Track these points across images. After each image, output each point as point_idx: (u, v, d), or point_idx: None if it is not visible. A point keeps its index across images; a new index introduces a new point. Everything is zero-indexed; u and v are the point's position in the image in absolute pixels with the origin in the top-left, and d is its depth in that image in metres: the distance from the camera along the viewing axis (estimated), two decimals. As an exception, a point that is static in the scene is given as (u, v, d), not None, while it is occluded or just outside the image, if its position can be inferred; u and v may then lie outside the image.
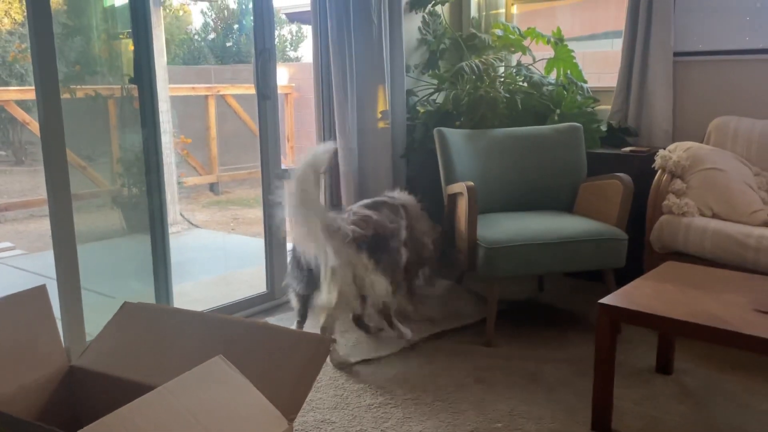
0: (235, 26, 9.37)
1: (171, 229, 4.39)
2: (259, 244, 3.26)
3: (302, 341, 1.84)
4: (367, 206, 2.60)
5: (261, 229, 3.24)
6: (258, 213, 3.19)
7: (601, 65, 3.92)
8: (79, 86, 3.03)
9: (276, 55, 3.01)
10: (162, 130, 4.30)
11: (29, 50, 2.27)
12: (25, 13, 2.27)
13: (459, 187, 2.71)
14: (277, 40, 10.11)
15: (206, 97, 7.22)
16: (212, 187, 7.58)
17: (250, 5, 3.03)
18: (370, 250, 2.38)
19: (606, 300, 1.96)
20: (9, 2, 8.87)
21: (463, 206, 2.68)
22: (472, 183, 2.62)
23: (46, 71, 2.23)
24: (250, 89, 7.95)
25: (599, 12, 4.32)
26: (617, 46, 4.13)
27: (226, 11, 9.37)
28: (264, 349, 1.82)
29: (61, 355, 1.87)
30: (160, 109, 4.25)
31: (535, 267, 2.60)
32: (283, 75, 8.58)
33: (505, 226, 2.67)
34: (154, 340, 1.93)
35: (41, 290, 1.90)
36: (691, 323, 1.80)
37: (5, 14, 8.82)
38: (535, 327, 2.83)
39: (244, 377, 1.61)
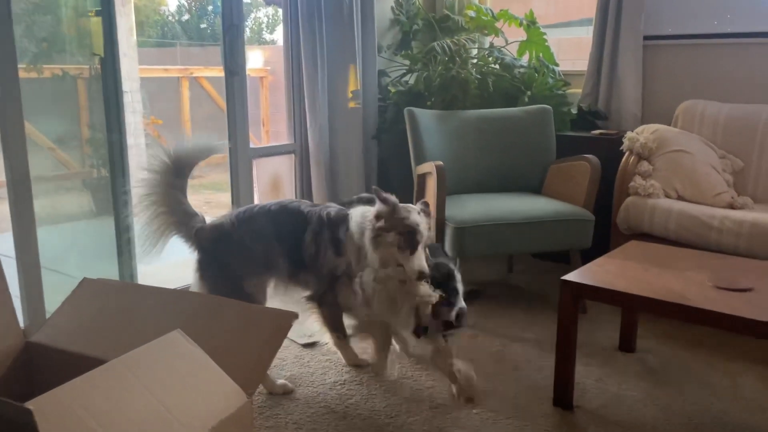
0: (209, 7, 9.21)
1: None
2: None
3: (264, 316, 1.83)
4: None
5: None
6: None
7: (575, 51, 3.93)
8: (46, 65, 2.96)
9: (244, 31, 2.96)
10: (131, 110, 4.23)
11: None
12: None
13: (428, 166, 2.70)
14: (252, 22, 9.92)
15: (179, 78, 7.10)
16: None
17: None
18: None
19: (569, 276, 1.97)
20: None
21: (432, 186, 2.68)
22: (440, 162, 2.62)
23: (3, 49, 2.16)
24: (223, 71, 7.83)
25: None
26: (582, 32, 4.15)
27: (199, -8, 9.19)
28: (225, 324, 1.80)
29: (17, 331, 1.83)
30: (128, 89, 4.17)
31: (502, 247, 2.61)
32: (258, 58, 8.47)
33: (473, 207, 2.67)
34: (113, 315, 1.90)
35: (-6, 267, 1.85)
36: (652, 299, 1.82)
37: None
38: (503, 307, 2.85)
39: (202, 351, 1.59)
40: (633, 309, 2.32)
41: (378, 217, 2.03)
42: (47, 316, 2.51)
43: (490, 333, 2.58)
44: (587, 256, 2.67)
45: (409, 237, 1.99)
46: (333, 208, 2.21)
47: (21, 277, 2.39)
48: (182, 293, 2.05)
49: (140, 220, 2.19)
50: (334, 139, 3.23)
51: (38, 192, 2.80)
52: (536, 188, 3.04)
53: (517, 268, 3.35)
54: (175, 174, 2.13)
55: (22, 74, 2.30)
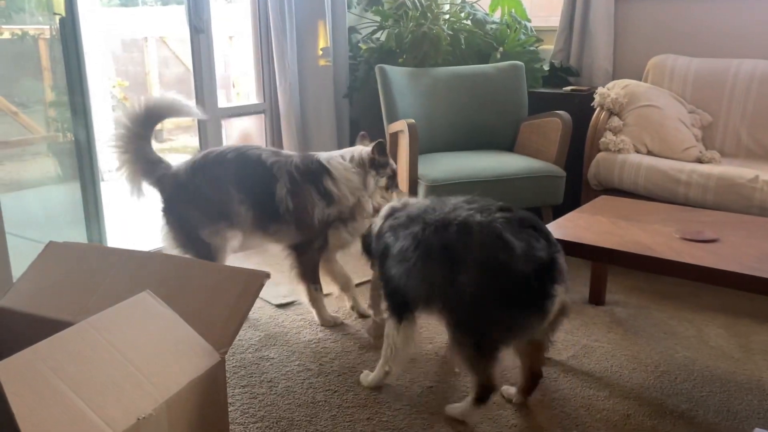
0: (175, -35, 8.90)
1: (110, 176, 4.24)
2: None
3: (235, 275, 1.81)
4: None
5: None
6: None
7: (547, 7, 3.89)
8: (5, 26, 2.84)
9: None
10: (95, 73, 4.09)
11: None
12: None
13: (400, 124, 2.68)
14: (220, -20, 9.59)
15: (145, 39, 6.90)
16: (155, 135, 7.33)
17: None
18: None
19: (539, 231, 1.98)
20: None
21: (404, 144, 2.66)
22: (412, 120, 2.60)
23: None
24: (192, 32, 7.62)
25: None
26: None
27: (164, -52, 8.86)
28: (195, 284, 1.78)
29: (-18, 297, 1.80)
30: (91, 51, 4.03)
31: (474, 204, 2.61)
32: (230, 16, 8.24)
33: (445, 165, 2.67)
34: (81, 278, 1.87)
35: (-43, 230, 1.80)
36: (621, 252, 1.85)
37: None
38: (476, 264, 2.87)
39: (173, 312, 1.57)
40: (602, 262, 2.35)
41: (372, 163, 2.19)
42: (14, 281, 2.46)
43: (463, 289, 2.60)
44: (559, 212, 2.71)
45: (393, 178, 2.24)
46: (296, 157, 2.24)
47: (-16, 243, 2.33)
48: (151, 255, 2.03)
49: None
50: (305, 97, 3.18)
51: (2, 157, 2.72)
52: (509, 146, 3.04)
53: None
54: (142, 124, 2.18)
55: None
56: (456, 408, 1.76)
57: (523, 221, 1.65)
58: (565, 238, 1.94)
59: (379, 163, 2.19)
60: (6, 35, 2.87)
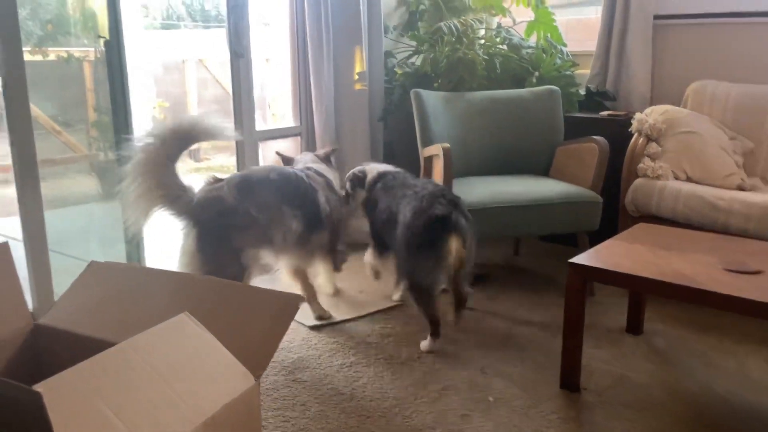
0: (215, -11, 9.13)
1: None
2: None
3: (270, 299, 1.83)
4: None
5: None
6: None
7: (584, 32, 3.87)
8: (52, 48, 2.95)
9: (248, 12, 2.93)
10: (137, 94, 4.21)
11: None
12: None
13: (435, 149, 2.69)
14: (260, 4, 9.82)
15: (184, 61, 7.08)
16: (192, 154, 7.47)
17: None
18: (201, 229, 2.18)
19: (576, 259, 1.96)
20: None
21: (438, 168, 2.66)
22: (447, 144, 2.60)
23: (8, 31, 2.15)
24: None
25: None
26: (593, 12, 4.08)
27: (204, -27, 9.11)
28: (232, 306, 1.80)
29: (25, 314, 1.84)
30: (133, 73, 4.14)
31: (509, 229, 2.60)
32: (265, 39, 8.39)
33: (480, 189, 2.66)
34: (120, 298, 1.90)
35: (3, 248, 1.85)
36: (660, 281, 1.81)
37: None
38: (510, 290, 2.84)
39: (210, 334, 1.59)
40: (641, 291, 2.31)
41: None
42: (56, 298, 2.52)
43: (497, 315, 2.58)
44: (595, 238, 2.67)
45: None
46: (312, 170, 2.50)
47: (29, 260, 2.40)
48: (189, 276, 2.06)
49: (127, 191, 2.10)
50: (340, 121, 3.22)
51: (45, 175, 2.81)
52: (544, 170, 3.02)
53: (523, 250, 3.34)
54: (176, 145, 2.09)
55: (27, 57, 2.29)
56: (423, 344, 2.29)
57: (435, 193, 2.24)
58: (604, 267, 1.91)
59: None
60: (52, 57, 2.97)
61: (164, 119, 6.94)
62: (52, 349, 1.85)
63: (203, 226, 2.14)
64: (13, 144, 2.26)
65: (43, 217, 2.41)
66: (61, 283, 2.54)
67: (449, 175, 2.57)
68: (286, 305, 1.78)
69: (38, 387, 1.17)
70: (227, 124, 2.21)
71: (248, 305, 1.80)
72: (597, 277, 1.96)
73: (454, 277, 2.24)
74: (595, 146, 2.70)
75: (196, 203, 2.14)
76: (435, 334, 2.28)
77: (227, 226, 2.14)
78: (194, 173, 6.98)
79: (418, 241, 2.15)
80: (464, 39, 3.30)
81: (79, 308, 1.90)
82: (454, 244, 2.12)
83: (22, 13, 2.31)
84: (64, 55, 3.03)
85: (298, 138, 3.31)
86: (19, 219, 2.39)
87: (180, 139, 2.10)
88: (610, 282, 1.97)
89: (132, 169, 2.07)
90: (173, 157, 2.10)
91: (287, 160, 2.63)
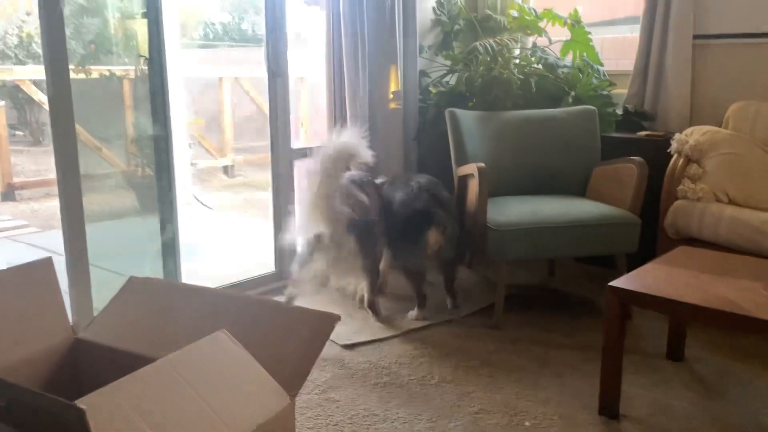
0: (251, 9, 9.32)
1: (183, 210, 4.40)
2: (270, 225, 3.25)
3: (306, 318, 1.83)
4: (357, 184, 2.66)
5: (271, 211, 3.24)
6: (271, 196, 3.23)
7: (619, 50, 3.84)
8: (94, 66, 3.03)
9: (287, 33, 2.97)
10: (175, 111, 4.30)
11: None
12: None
13: (470, 168, 2.67)
14: (296, 24, 9.99)
15: (220, 79, 7.21)
16: (226, 170, 7.58)
17: None
18: (358, 235, 2.50)
19: (615, 283, 1.92)
20: (27, -17, 8.90)
21: (473, 188, 2.65)
22: (483, 164, 2.59)
23: (55, 49, 2.22)
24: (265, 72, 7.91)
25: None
26: (637, 31, 4.04)
27: (241, -7, 9.31)
28: (268, 324, 1.81)
29: (66, 327, 1.87)
30: (173, 91, 4.23)
31: (545, 251, 2.57)
32: (299, 58, 8.51)
33: (515, 209, 2.63)
34: (159, 314, 1.92)
35: (47, 263, 1.90)
36: (703, 307, 1.76)
37: (23, -5, 8.85)
38: (545, 312, 2.80)
39: (246, 352, 1.60)
40: (683, 317, 2.25)
41: None
42: (94, 312, 2.57)
43: (533, 339, 2.53)
44: (632, 260, 2.62)
45: None
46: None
47: (70, 274, 2.44)
48: (226, 293, 2.07)
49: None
50: (375, 139, 3.22)
51: (84, 189, 2.87)
52: (580, 191, 2.98)
53: (558, 271, 3.29)
54: (341, 166, 2.43)
55: (71, 75, 2.36)
56: (411, 314, 2.71)
57: (421, 188, 2.65)
58: (644, 291, 1.87)
59: None
60: (95, 75, 3.05)
61: (200, 137, 7.05)
62: (92, 363, 1.87)
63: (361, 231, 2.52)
64: (58, 160, 2.32)
65: (84, 231, 2.46)
66: (98, 297, 2.59)
67: (484, 194, 2.55)
68: (322, 324, 1.78)
69: (81, 403, 1.19)
70: (368, 149, 2.51)
71: (284, 323, 1.80)
72: (637, 302, 1.91)
73: (438, 261, 2.69)
74: (633, 167, 2.66)
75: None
76: (422, 305, 2.72)
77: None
78: (228, 189, 7.09)
79: (403, 231, 2.60)
80: (499, 58, 3.29)
81: (119, 323, 1.93)
82: (433, 235, 2.52)
83: (66, 32, 2.38)
84: (106, 73, 3.11)
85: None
86: (62, 233, 2.44)
87: (343, 159, 2.43)
88: (650, 307, 1.92)
89: (312, 185, 2.41)
90: (340, 176, 2.46)
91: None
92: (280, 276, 3.14)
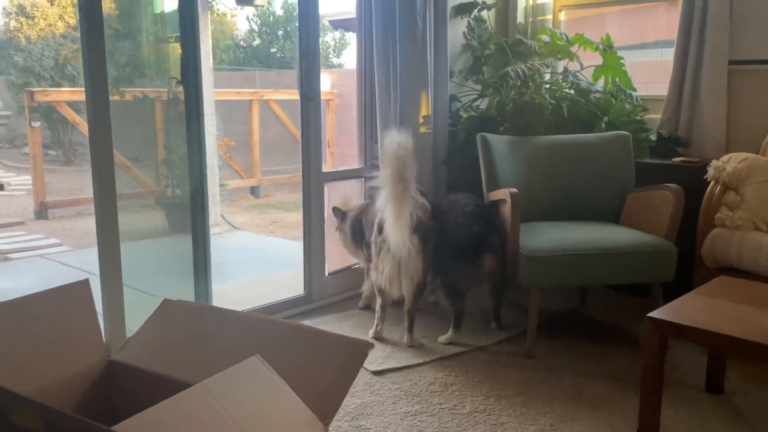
0: (280, 32, 9.48)
1: (211, 231, 4.43)
2: (297, 247, 3.25)
3: (339, 344, 1.82)
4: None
5: (299, 233, 3.24)
6: (298, 218, 3.22)
7: (649, 74, 3.81)
8: (127, 88, 3.09)
9: (320, 59, 3.01)
10: (206, 132, 4.36)
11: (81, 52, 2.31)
12: (78, 17, 2.31)
13: (502, 193, 2.66)
14: (321, 46, 10.16)
15: (250, 101, 7.31)
16: (253, 191, 7.66)
17: (296, 12, 3.03)
18: (421, 237, 2.58)
19: (655, 314, 1.88)
20: (63, 7, 9.17)
21: (505, 213, 2.63)
22: (515, 189, 2.57)
23: (96, 73, 2.28)
24: (293, 94, 8.02)
25: (649, 20, 4.21)
26: (667, 55, 4.01)
27: (271, 17, 9.49)
28: (301, 350, 1.80)
29: (101, 349, 1.89)
30: (204, 112, 4.30)
31: (578, 278, 2.53)
32: (325, 81, 8.62)
33: (548, 235, 2.60)
34: (192, 337, 1.93)
35: (84, 284, 1.92)
36: (746, 340, 1.71)
37: (59, 18, 9.12)
38: (577, 340, 2.75)
39: (280, 378, 1.59)
40: (724, 350, 2.19)
41: None
42: (127, 332, 2.58)
43: (566, 368, 2.48)
44: (668, 289, 2.57)
45: None
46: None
47: (104, 294, 2.46)
48: (260, 318, 2.07)
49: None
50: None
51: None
52: (613, 217, 2.94)
53: (590, 298, 3.24)
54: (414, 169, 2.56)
55: (115, 97, 2.42)
56: (444, 336, 2.71)
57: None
58: (684, 323, 1.83)
59: None
60: (128, 97, 3.11)
61: (229, 158, 7.13)
62: (125, 385, 1.88)
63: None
64: (95, 180, 2.35)
65: (119, 251, 2.49)
66: (129, 317, 2.60)
67: (517, 220, 2.53)
68: (354, 351, 1.77)
69: (118, 429, 1.19)
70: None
71: (317, 349, 1.79)
72: (677, 334, 1.87)
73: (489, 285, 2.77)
74: (669, 194, 2.61)
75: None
76: (457, 326, 2.72)
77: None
78: (255, 209, 7.14)
79: (458, 251, 2.62)
80: (530, 83, 3.28)
81: (153, 346, 1.94)
82: (488, 259, 2.57)
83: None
84: (140, 95, 3.17)
85: (362, 180, 3.34)
86: (97, 253, 2.47)
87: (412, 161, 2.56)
88: (691, 339, 1.87)
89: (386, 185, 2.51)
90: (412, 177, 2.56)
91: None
92: (309, 299, 3.14)
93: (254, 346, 1.85)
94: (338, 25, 9.19)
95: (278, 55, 9.43)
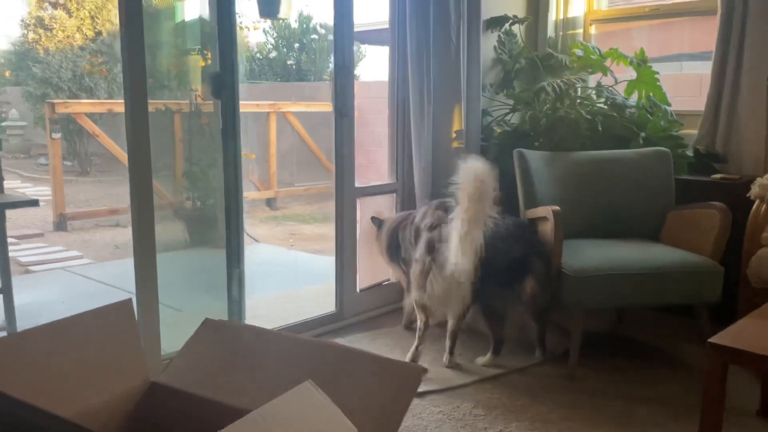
0: (296, 45, 9.49)
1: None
2: (320, 261, 3.21)
3: (391, 369, 1.76)
4: None
5: (319, 246, 3.21)
6: (316, 230, 3.17)
7: (686, 91, 3.74)
8: (150, 100, 3.07)
9: (354, 73, 2.97)
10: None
11: (106, 65, 2.28)
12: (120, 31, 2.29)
13: (543, 211, 2.60)
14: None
15: (268, 114, 7.30)
16: (269, 203, 7.63)
17: (311, 24, 3.00)
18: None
19: (716, 339, 1.81)
20: (81, 19, 9.21)
21: (544, 231, 2.57)
22: (557, 207, 2.51)
23: (136, 86, 2.25)
24: (310, 107, 8.00)
25: (673, 34, 4.17)
26: (687, 68, 3.96)
27: (287, 30, 9.50)
28: (351, 374, 1.75)
29: (143, 371, 1.84)
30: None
31: (624, 299, 2.47)
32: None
33: (590, 254, 2.54)
34: (237, 359, 1.88)
35: (126, 304, 1.87)
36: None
37: (77, 30, 9.16)
38: (619, 361, 2.68)
39: (334, 405, 1.54)
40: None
41: None
42: (161, 350, 2.52)
43: (611, 391, 2.42)
44: (715, 310, 2.51)
45: None
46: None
47: (140, 310, 2.42)
48: (306, 341, 2.02)
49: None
50: (437, 177, 3.19)
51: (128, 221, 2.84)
52: (652, 235, 2.87)
53: (627, 318, 3.16)
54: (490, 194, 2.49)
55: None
56: (482, 359, 2.65)
57: (519, 232, 2.62)
58: (735, 346, 1.76)
59: None
60: (151, 109, 3.08)
61: (250, 171, 7.11)
62: (168, 409, 1.83)
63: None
64: (133, 192, 2.32)
65: (155, 269, 2.44)
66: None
67: (560, 239, 2.47)
68: (408, 377, 1.72)
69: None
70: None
71: (367, 374, 1.74)
72: (739, 360, 1.80)
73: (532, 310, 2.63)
74: (716, 212, 2.55)
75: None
76: (496, 352, 2.65)
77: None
78: (272, 221, 7.11)
79: (500, 274, 2.52)
80: (565, 98, 3.24)
81: (196, 368, 1.89)
82: (530, 283, 2.47)
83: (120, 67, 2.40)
84: (162, 107, 3.15)
85: (394, 195, 3.30)
86: (134, 267, 2.43)
87: (489, 186, 2.48)
88: (755, 367, 1.81)
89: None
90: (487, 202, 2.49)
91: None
92: (341, 316, 3.08)
93: (302, 370, 1.80)
94: (354, 37, 9.17)
95: (294, 67, 9.43)
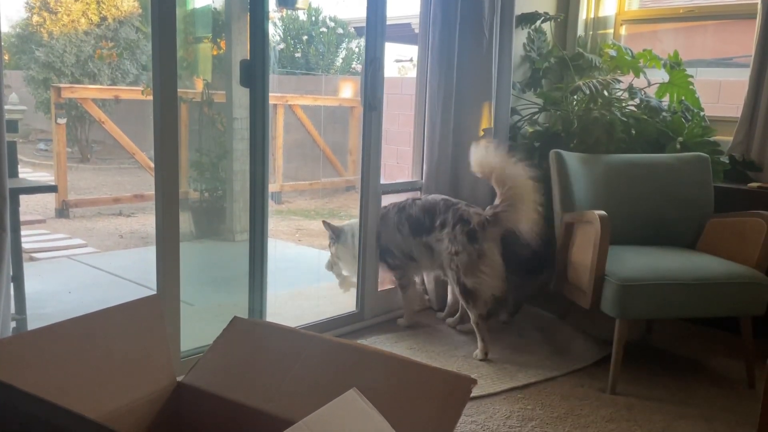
0: (305, 37, 9.36)
1: (238, 237, 4.26)
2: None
3: (435, 378, 1.65)
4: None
5: (327, 242, 3.14)
6: (322, 226, 3.10)
7: (717, 96, 3.64)
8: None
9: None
10: (239, 138, 4.21)
11: (116, 50, 2.16)
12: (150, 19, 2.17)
13: (589, 215, 2.48)
14: (345, 53, 9.99)
15: (275, 106, 7.17)
16: (274, 197, 7.51)
17: (320, 17, 2.89)
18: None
19: (780, 356, 1.72)
20: (87, 3, 9.04)
21: (586, 237, 2.47)
22: (604, 213, 2.40)
23: (166, 73, 2.13)
24: (317, 100, 7.87)
25: (696, 38, 4.08)
26: (702, 74, 3.86)
27: (295, 23, 9.37)
28: (391, 383, 1.64)
29: (170, 371, 1.74)
30: (238, 117, 4.14)
31: (670, 309, 2.36)
32: (348, 89, 8.49)
33: (632, 262, 2.44)
34: (268, 361, 1.77)
35: (154, 300, 1.77)
36: None
37: (83, 14, 8.99)
38: (654, 373, 2.58)
39: (380, 415, 1.43)
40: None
41: None
42: (180, 347, 2.40)
43: (649, 405, 2.32)
44: (758, 323, 2.42)
45: None
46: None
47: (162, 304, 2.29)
48: (339, 343, 1.91)
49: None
50: (462, 175, 3.08)
51: (136, 209, 2.72)
52: (689, 243, 2.78)
53: (656, 328, 3.06)
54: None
55: (141, 96, 2.26)
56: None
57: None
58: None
59: None
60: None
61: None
62: (196, 411, 1.72)
63: None
64: (158, 181, 2.20)
65: (178, 261, 2.32)
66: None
67: (605, 245, 2.36)
68: (456, 387, 1.61)
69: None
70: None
71: (411, 383, 1.63)
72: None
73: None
74: (762, 222, 2.45)
75: None
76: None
77: None
78: (277, 215, 6.99)
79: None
80: (600, 100, 3.13)
81: (224, 369, 1.78)
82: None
83: (138, 55, 2.29)
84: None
85: (418, 193, 3.18)
86: (156, 259, 2.31)
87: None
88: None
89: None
90: None
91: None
92: (361, 316, 2.97)
93: (341, 375, 1.70)
94: (363, 32, 9.05)
95: (301, 60, 9.31)
